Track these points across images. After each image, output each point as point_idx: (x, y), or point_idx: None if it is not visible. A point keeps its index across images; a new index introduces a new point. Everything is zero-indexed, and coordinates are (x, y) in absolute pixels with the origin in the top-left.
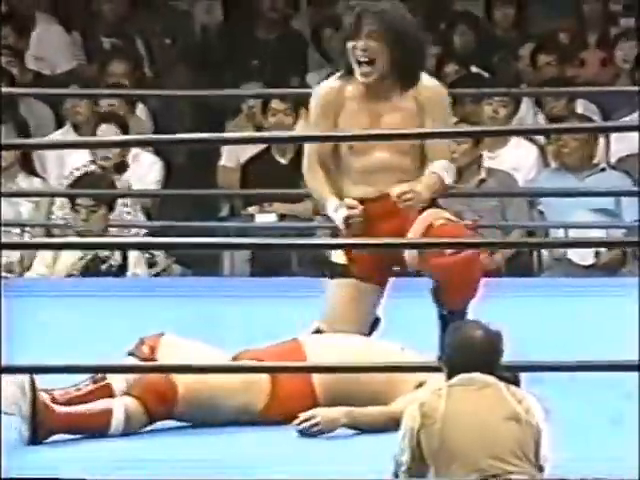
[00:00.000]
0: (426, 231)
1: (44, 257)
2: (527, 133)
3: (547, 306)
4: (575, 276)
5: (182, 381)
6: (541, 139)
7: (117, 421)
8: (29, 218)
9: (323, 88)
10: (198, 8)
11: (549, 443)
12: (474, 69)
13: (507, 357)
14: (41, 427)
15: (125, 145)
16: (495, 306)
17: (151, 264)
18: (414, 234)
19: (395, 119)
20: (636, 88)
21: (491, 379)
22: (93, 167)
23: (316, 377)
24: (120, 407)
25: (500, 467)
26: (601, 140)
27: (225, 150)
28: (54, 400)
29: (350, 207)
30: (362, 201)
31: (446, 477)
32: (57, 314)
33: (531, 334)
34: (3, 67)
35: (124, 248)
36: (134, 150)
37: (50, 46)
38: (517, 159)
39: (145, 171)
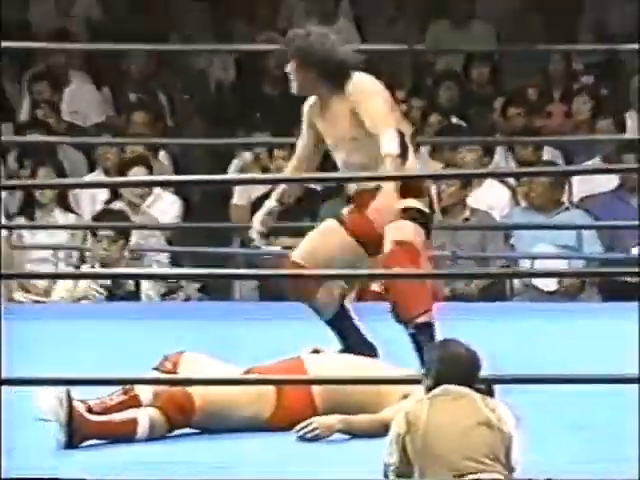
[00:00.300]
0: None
1: (66, 282)
2: (504, 176)
3: (517, 327)
4: (540, 301)
5: (199, 394)
6: (512, 181)
7: (142, 429)
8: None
9: (305, 106)
10: (213, 67)
11: (519, 447)
12: (454, 120)
13: (484, 371)
14: (76, 433)
15: (145, 185)
16: (473, 326)
17: (173, 291)
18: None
19: (339, 122)
20: (595, 137)
21: (467, 390)
22: (120, 204)
23: (316, 390)
24: (145, 417)
25: (473, 467)
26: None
27: (236, 190)
28: (90, 409)
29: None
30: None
31: (428, 476)
32: (83, 336)
33: (504, 351)
34: (40, 118)
35: (126, 278)
36: (157, 190)
37: (83, 101)
38: (491, 199)
39: (167, 208)
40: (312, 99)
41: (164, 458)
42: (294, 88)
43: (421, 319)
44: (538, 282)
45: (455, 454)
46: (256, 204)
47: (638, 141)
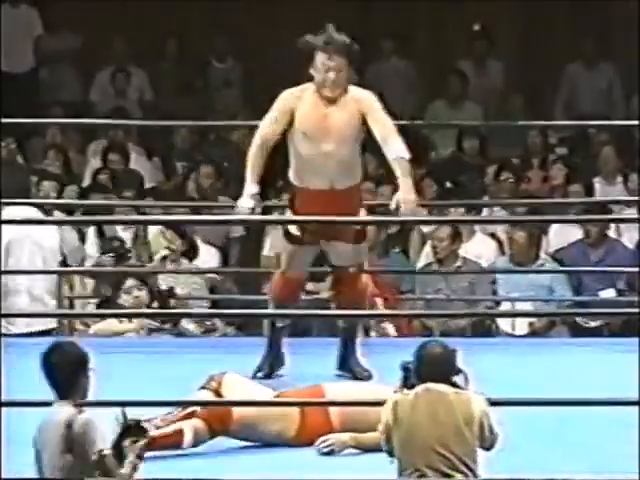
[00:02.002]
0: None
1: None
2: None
3: (502, 358)
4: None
5: (236, 408)
6: (501, 236)
7: (188, 438)
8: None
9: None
10: (246, 140)
11: (493, 423)
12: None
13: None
14: None
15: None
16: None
17: (212, 330)
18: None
19: (344, 118)
20: (568, 200)
21: (445, 389)
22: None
23: (333, 413)
24: (189, 427)
25: (443, 462)
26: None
27: (267, 243)
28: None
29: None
30: (317, 192)
31: (406, 462)
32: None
33: (490, 377)
34: (101, 183)
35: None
36: (200, 244)
37: (137, 168)
38: (480, 249)
39: (209, 259)
40: (297, 91)
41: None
42: (338, 80)
43: None
44: (508, 328)
45: (431, 465)
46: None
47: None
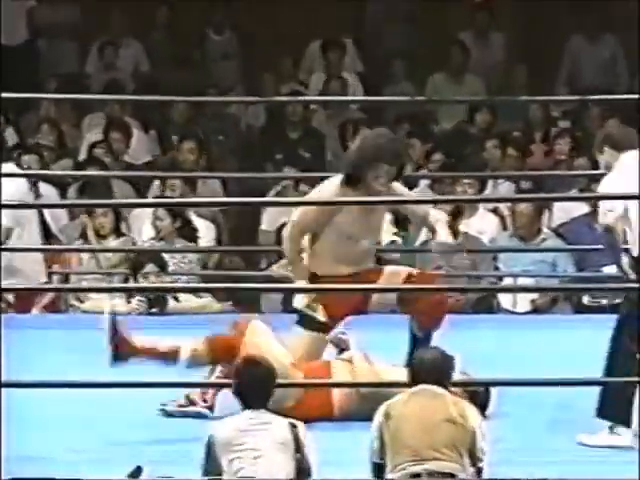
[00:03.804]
0: (407, 279)
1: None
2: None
3: (503, 334)
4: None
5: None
6: (504, 211)
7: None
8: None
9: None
10: (245, 114)
11: (485, 439)
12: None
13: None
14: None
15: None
16: (467, 333)
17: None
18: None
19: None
20: (572, 172)
21: (441, 391)
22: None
23: (335, 395)
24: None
25: (433, 455)
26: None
27: (265, 218)
28: None
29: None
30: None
31: (396, 460)
32: None
33: (491, 354)
34: (97, 157)
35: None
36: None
37: (134, 143)
38: (482, 225)
39: (203, 234)
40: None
41: None
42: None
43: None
44: (510, 305)
45: (420, 444)
46: (280, 230)
47: None
